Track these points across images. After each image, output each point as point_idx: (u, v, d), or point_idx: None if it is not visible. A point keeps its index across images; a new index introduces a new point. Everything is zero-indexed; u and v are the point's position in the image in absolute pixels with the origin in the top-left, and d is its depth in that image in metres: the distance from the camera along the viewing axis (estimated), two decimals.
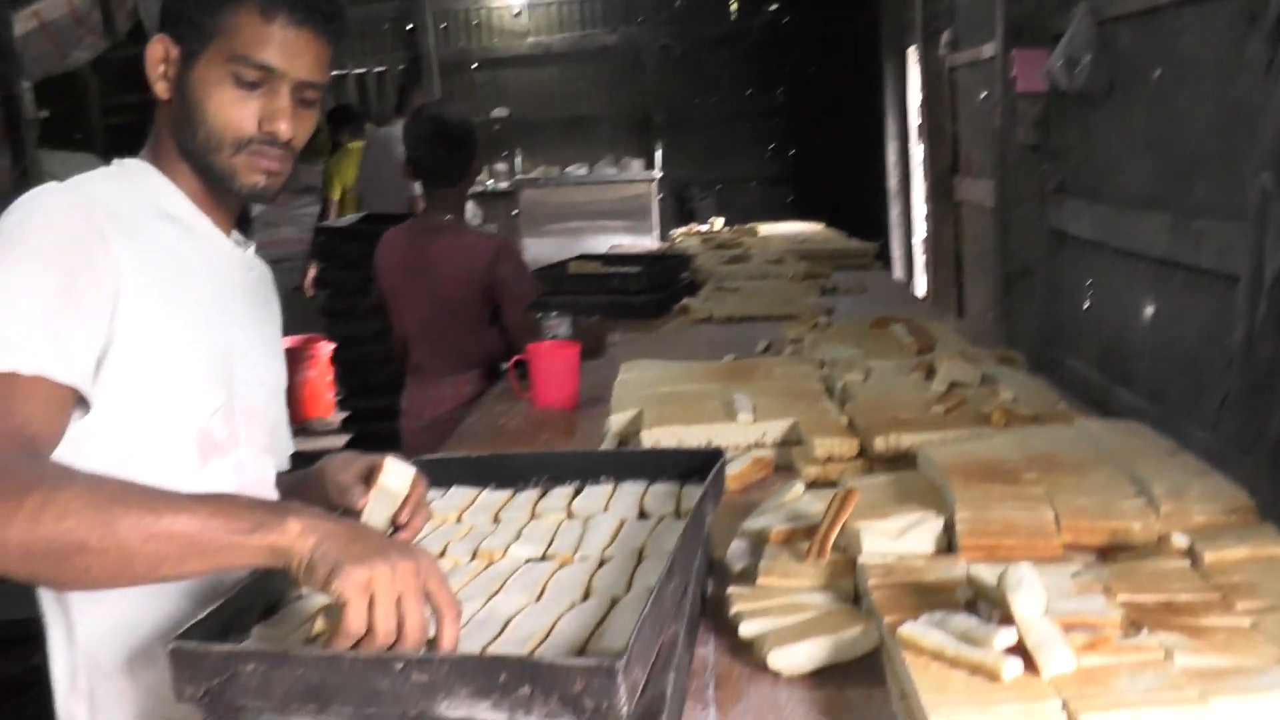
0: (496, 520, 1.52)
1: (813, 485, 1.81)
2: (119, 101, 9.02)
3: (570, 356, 2.60)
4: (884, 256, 7.60)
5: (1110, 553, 1.45)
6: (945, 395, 2.12)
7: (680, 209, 9.67)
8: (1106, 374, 4.18)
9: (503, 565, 1.35)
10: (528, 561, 1.37)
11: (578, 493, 1.59)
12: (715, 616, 1.40)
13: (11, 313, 1.25)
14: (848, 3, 9.33)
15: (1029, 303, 4.82)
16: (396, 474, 1.35)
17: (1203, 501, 1.49)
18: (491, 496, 1.60)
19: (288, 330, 1.73)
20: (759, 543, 1.54)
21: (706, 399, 2.19)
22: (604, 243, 7.27)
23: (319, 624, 1.13)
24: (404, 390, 3.39)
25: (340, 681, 1.02)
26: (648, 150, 9.71)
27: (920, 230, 7.86)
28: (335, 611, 1.08)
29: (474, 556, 1.39)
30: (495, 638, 1.14)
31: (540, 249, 7.37)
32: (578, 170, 9.43)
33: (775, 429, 2.04)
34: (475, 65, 9.89)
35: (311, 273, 6.56)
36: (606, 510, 1.51)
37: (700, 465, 1.57)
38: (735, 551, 1.54)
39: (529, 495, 1.60)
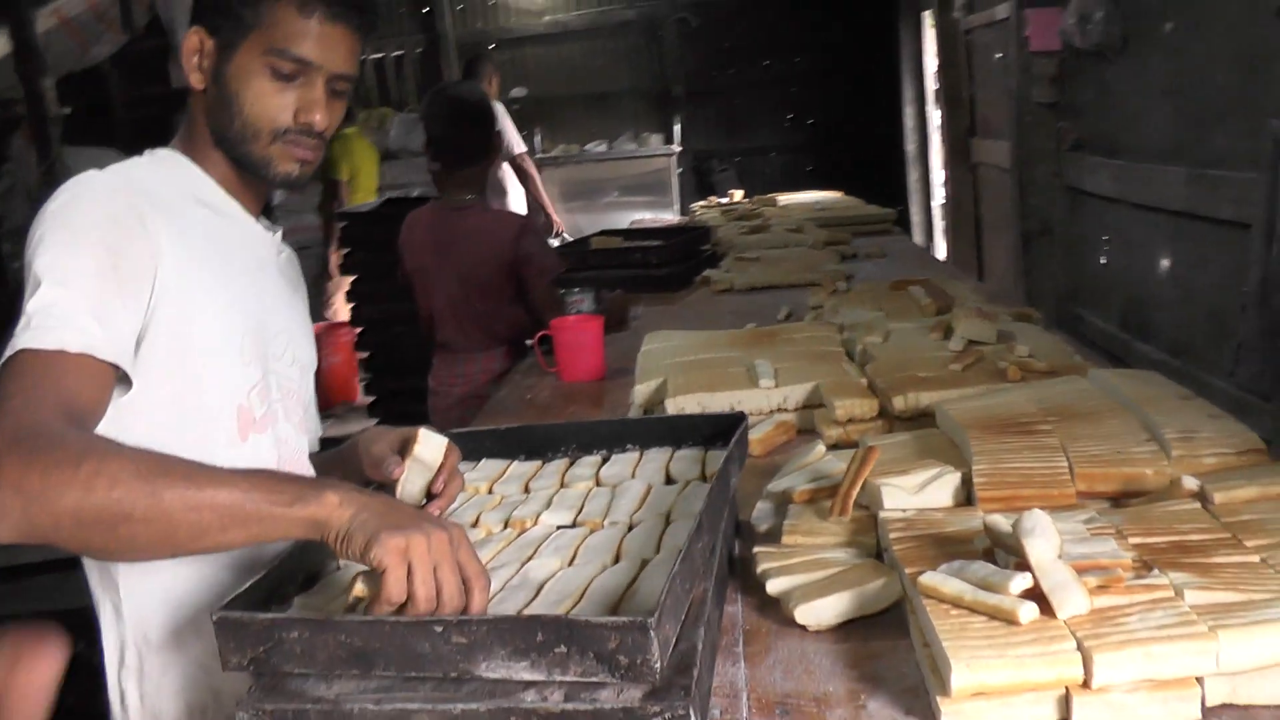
0: (527, 490, 1.56)
1: (835, 447, 1.85)
2: (139, 95, 9.08)
3: (595, 330, 2.65)
4: (903, 222, 7.60)
5: (1124, 498, 1.49)
6: (962, 353, 2.15)
7: (700, 182, 9.67)
8: (1127, 328, 4.20)
9: (535, 532, 1.40)
10: (559, 528, 1.41)
11: (605, 461, 1.64)
12: (743, 576, 1.44)
13: (60, 293, 1.30)
14: None
15: (1048, 260, 4.84)
16: (430, 444, 1.40)
17: (1213, 444, 1.53)
18: (521, 467, 1.65)
19: (313, 316, 1.78)
20: (783, 503, 1.58)
21: (729, 366, 2.23)
22: (625, 218, 7.30)
23: (357, 589, 1.17)
24: (431, 368, 3.45)
25: (382, 645, 1.07)
26: (667, 124, 9.71)
27: (939, 194, 7.86)
28: (374, 579, 1.13)
29: (506, 525, 1.44)
30: (530, 600, 1.19)
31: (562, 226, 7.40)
32: (597, 147, 9.45)
33: (797, 393, 2.08)
34: (493, 45, 9.90)
35: (336, 258, 6.64)
36: (634, 477, 1.55)
37: (724, 429, 1.61)
38: (760, 512, 1.58)
39: (557, 465, 1.64)
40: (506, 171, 6.73)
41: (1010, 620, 1.11)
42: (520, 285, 3.24)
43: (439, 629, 1.05)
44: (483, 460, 1.67)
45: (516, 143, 6.78)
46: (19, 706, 2.40)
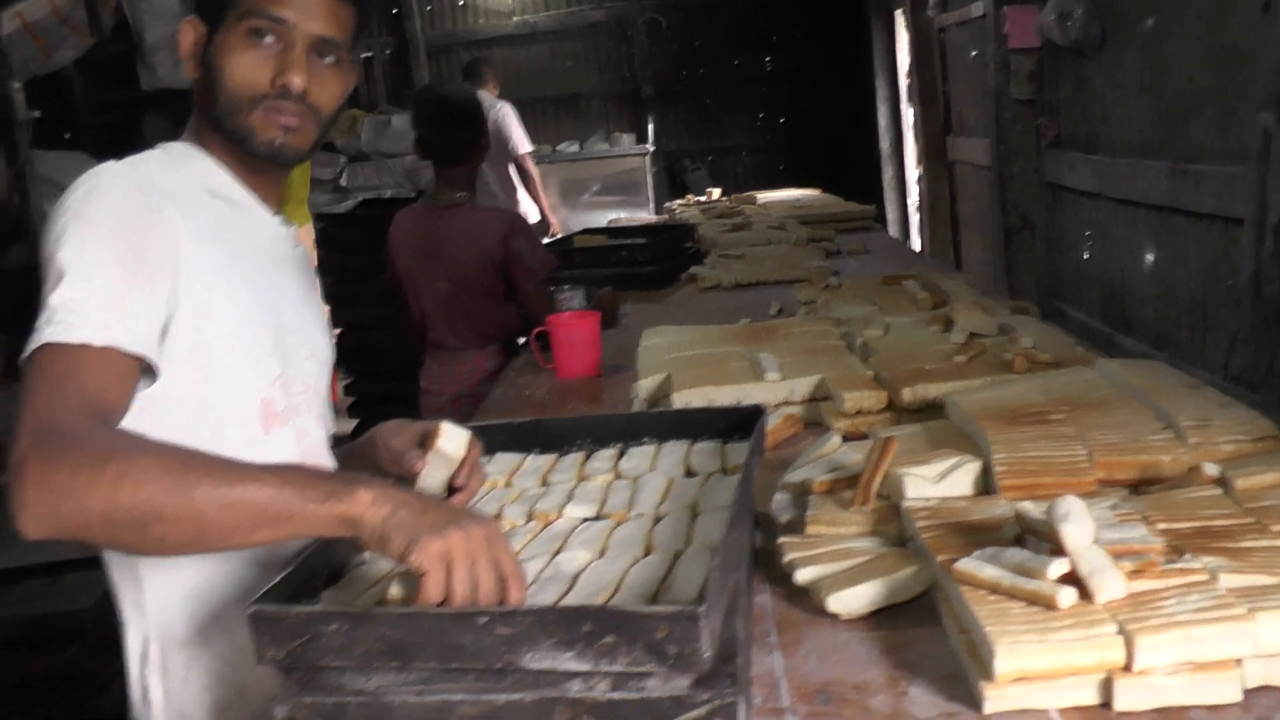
0: (545, 483, 1.56)
1: (843, 439, 1.85)
2: (106, 99, 9.00)
3: (591, 326, 2.64)
4: (879, 220, 7.64)
5: (1141, 486, 1.50)
6: (965, 346, 2.16)
7: (673, 181, 9.69)
8: (1109, 322, 4.23)
9: (560, 525, 1.39)
10: (584, 521, 1.41)
11: (621, 454, 1.63)
12: (766, 567, 1.44)
13: (83, 287, 1.28)
14: None
15: (1029, 256, 4.87)
16: (452, 437, 1.39)
17: (1228, 431, 1.54)
18: (537, 461, 1.64)
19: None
20: (801, 494, 1.58)
21: (732, 360, 2.23)
22: (599, 218, 7.31)
23: (393, 590, 1.17)
24: (423, 368, 3.43)
25: (422, 638, 1.06)
26: (639, 124, 9.73)
27: (914, 192, 7.90)
28: (410, 580, 1.12)
29: (530, 518, 1.43)
30: (566, 592, 1.18)
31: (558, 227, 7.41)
32: (569, 147, 9.45)
33: (802, 386, 2.08)
34: (462, 46, 9.87)
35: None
36: (653, 469, 1.55)
37: (740, 422, 1.62)
38: (779, 504, 1.58)
39: (574, 458, 1.64)
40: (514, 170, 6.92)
41: (1049, 605, 1.11)
42: (511, 283, 3.23)
43: (483, 621, 1.04)
44: (497, 454, 1.66)
45: (522, 143, 6.98)
46: None
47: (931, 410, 1.90)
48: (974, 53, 5.47)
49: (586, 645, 1.02)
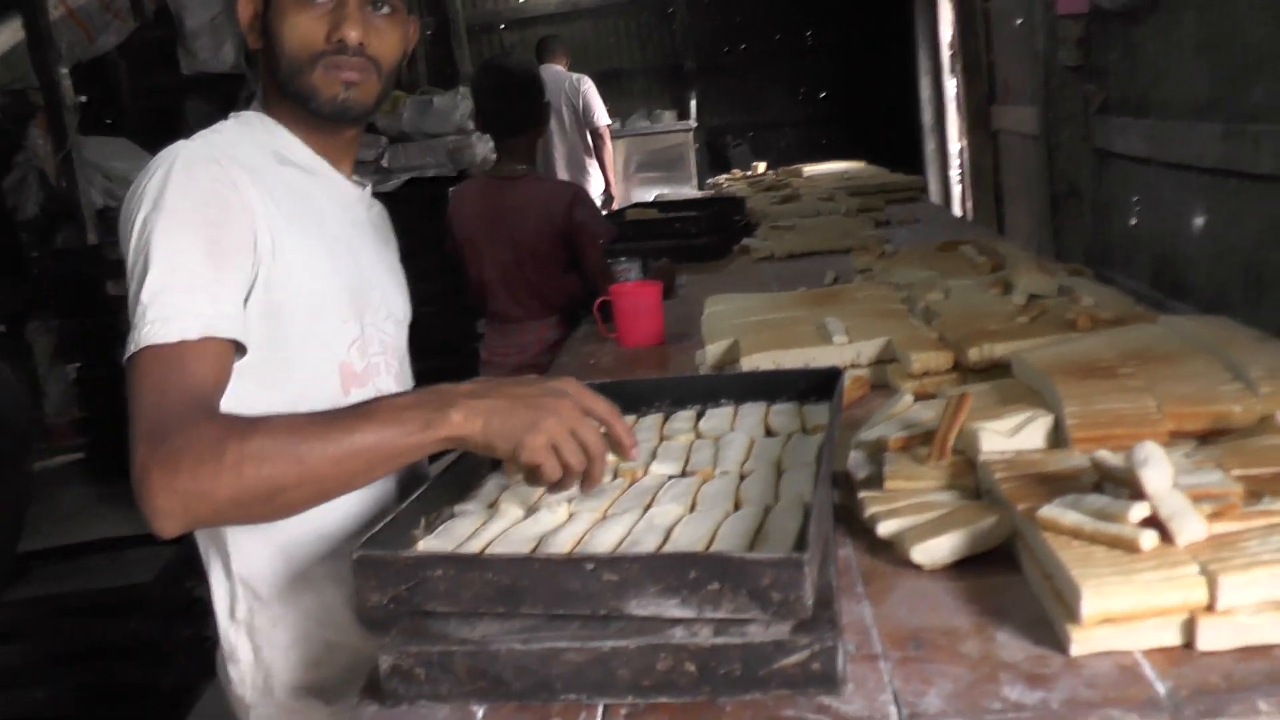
0: None
1: (920, 399, 1.88)
2: (149, 84, 9.09)
3: (654, 295, 2.68)
4: (923, 190, 7.63)
5: (1212, 436, 1.51)
6: (1026, 306, 2.18)
7: (715, 157, 9.70)
8: (1160, 288, 4.22)
9: (647, 482, 1.44)
10: (671, 478, 1.45)
11: (700, 416, 1.68)
12: (846, 523, 1.47)
13: (170, 277, 1.33)
14: None
15: (1077, 223, 4.86)
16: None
17: None
18: None
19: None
20: (876, 451, 1.61)
21: (798, 324, 2.26)
22: (644, 195, 7.36)
23: (511, 471, 1.34)
24: (483, 339, 3.49)
25: (531, 583, 1.10)
26: (681, 100, 9.74)
27: (955, 163, 7.87)
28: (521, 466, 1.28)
29: (616, 475, 1.47)
30: (662, 543, 1.22)
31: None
32: (613, 125, 9.47)
33: (869, 348, 2.11)
34: (504, 25, 9.90)
35: None
36: (734, 430, 1.59)
37: (817, 384, 1.66)
38: (855, 461, 1.61)
39: (653, 419, 1.68)
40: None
41: (1132, 548, 1.14)
42: (575, 252, 3.28)
43: (590, 566, 1.08)
44: None
45: (603, 116, 7.30)
46: None
47: (997, 370, 1.92)
48: (1019, 20, 5.45)
49: (691, 592, 1.07)
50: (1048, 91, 4.76)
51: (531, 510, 1.37)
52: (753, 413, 1.64)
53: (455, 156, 6.91)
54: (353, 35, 1.48)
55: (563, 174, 7.16)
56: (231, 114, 1.60)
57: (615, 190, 7.44)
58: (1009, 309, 2.19)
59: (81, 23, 7.89)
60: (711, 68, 9.92)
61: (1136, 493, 1.20)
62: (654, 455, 1.52)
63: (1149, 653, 1.10)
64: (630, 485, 1.43)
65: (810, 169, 6.01)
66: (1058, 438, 1.55)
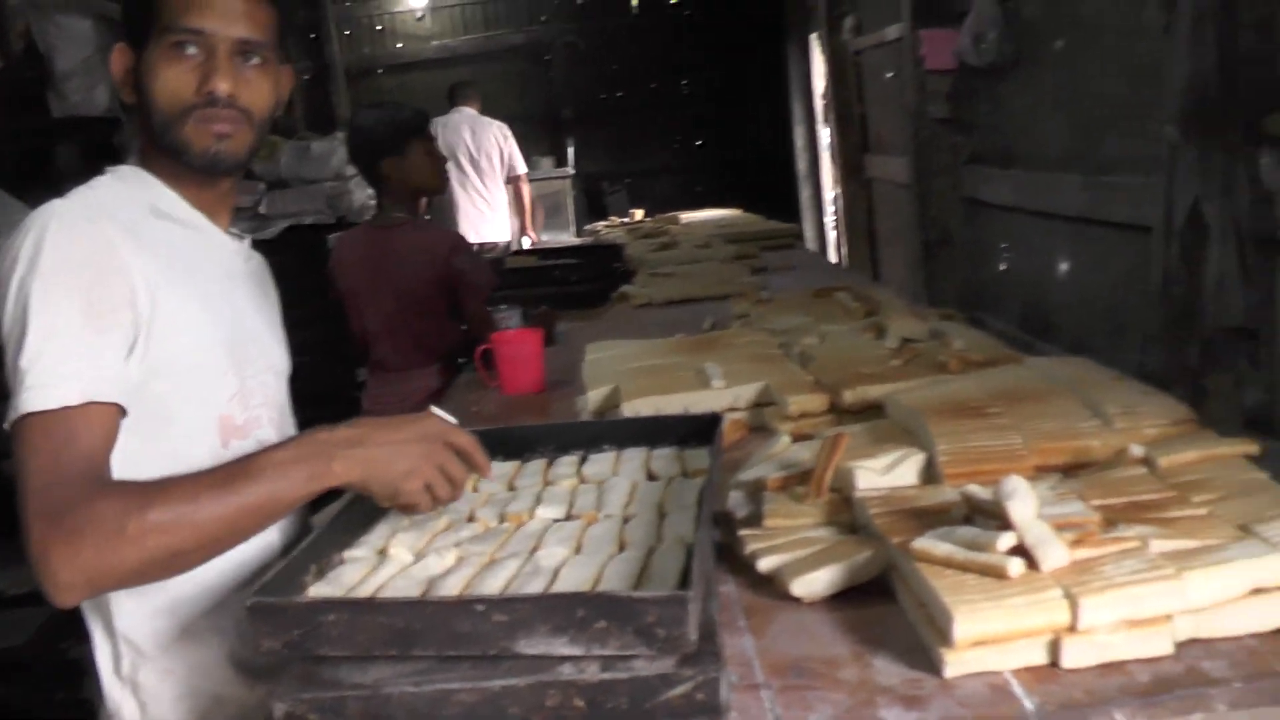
0: (512, 488, 1.63)
1: (797, 440, 1.94)
2: (16, 126, 8.86)
3: (535, 342, 2.71)
4: (798, 237, 7.80)
5: (1074, 470, 1.60)
6: (900, 350, 2.26)
7: (592, 204, 9.78)
8: (1029, 330, 4.38)
9: (532, 526, 1.46)
10: (556, 521, 1.48)
11: (583, 460, 1.71)
12: (727, 561, 1.51)
13: (48, 343, 1.32)
14: None
15: (949, 268, 5.02)
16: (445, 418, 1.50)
17: (1151, 417, 1.65)
18: (502, 467, 1.71)
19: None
20: (755, 491, 1.66)
21: (678, 370, 2.31)
22: (523, 240, 7.38)
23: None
24: (365, 388, 3.48)
25: (423, 625, 1.12)
26: (559, 147, 9.81)
27: (831, 210, 8.07)
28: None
29: (503, 520, 1.49)
30: (549, 585, 1.25)
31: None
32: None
33: (747, 392, 2.16)
34: (381, 70, 9.90)
35: None
36: (616, 474, 1.62)
37: (697, 429, 1.70)
38: (735, 501, 1.66)
39: (537, 464, 1.71)
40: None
41: (1000, 575, 1.21)
42: (455, 301, 3.30)
43: (480, 608, 1.10)
44: None
45: (519, 164, 7.33)
46: None
47: (872, 412, 1.99)
48: (890, 74, 5.63)
49: (579, 630, 1.09)
50: (918, 143, 4.93)
51: (420, 555, 1.38)
52: (635, 458, 1.68)
53: (334, 202, 6.87)
54: (222, 87, 1.49)
55: (463, 221, 7.15)
56: (108, 169, 1.58)
57: (535, 237, 7.45)
58: (883, 353, 2.27)
59: None
60: (588, 115, 10.04)
61: (1004, 524, 1.27)
62: (539, 500, 1.54)
63: (1018, 672, 1.16)
64: (516, 529, 1.45)
65: (687, 216, 6.11)
66: (930, 474, 1.61)
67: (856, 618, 1.32)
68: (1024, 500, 1.26)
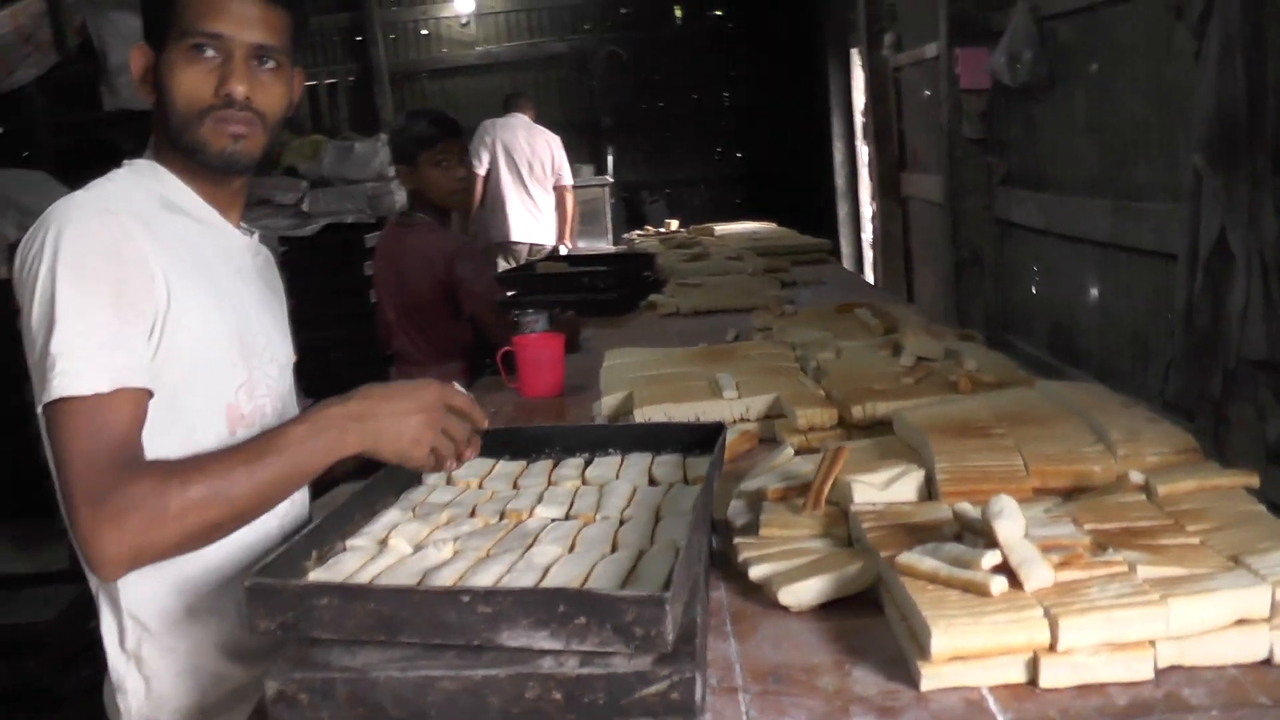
0: (516, 487, 1.65)
1: (797, 453, 1.95)
2: (68, 119, 9.00)
3: (556, 347, 2.73)
4: (834, 254, 7.79)
5: (1074, 494, 1.60)
6: (913, 368, 2.27)
7: (631, 213, 9.82)
8: (1056, 354, 4.37)
9: (531, 524, 1.49)
10: (553, 521, 1.50)
11: (588, 463, 1.73)
12: (722, 567, 1.53)
13: (77, 337, 1.38)
14: (791, 6, 9.52)
15: (979, 289, 5.02)
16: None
17: (1154, 444, 1.65)
18: (508, 466, 1.74)
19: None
20: (756, 501, 1.68)
21: (692, 379, 2.33)
22: (560, 247, 7.44)
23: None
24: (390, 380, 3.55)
25: (410, 614, 1.15)
26: (599, 156, 9.85)
27: (868, 227, 8.07)
28: None
29: (502, 516, 1.52)
30: (539, 581, 1.27)
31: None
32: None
33: (758, 404, 2.18)
34: (425, 75, 9.98)
35: None
36: (619, 478, 1.65)
37: (702, 438, 1.72)
38: (735, 510, 1.68)
39: (543, 465, 1.73)
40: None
41: (983, 592, 1.22)
42: (458, 306, 3.38)
43: (466, 599, 1.13)
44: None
45: (566, 175, 7.50)
46: None
47: (880, 428, 2.00)
48: (927, 92, 5.64)
49: (560, 625, 1.12)
50: (952, 162, 4.93)
51: (419, 547, 1.41)
52: (638, 463, 1.70)
53: (374, 202, 6.94)
54: (239, 90, 1.54)
55: (513, 221, 7.36)
56: (125, 162, 1.63)
57: (571, 245, 7.57)
58: (896, 370, 2.28)
59: (1, 53, 7.81)
60: (629, 124, 10.08)
61: (991, 542, 1.28)
62: (540, 499, 1.57)
63: (995, 689, 1.17)
64: (515, 526, 1.48)
65: (721, 228, 6.13)
66: (929, 492, 1.62)
67: (842, 628, 1.33)
68: (1011, 519, 1.28)
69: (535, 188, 7.39)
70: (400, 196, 6.61)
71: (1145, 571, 1.26)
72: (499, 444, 1.78)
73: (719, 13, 10.06)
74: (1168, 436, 1.69)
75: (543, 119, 7.62)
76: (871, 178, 7.58)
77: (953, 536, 1.38)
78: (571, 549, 1.38)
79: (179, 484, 1.35)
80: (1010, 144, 4.66)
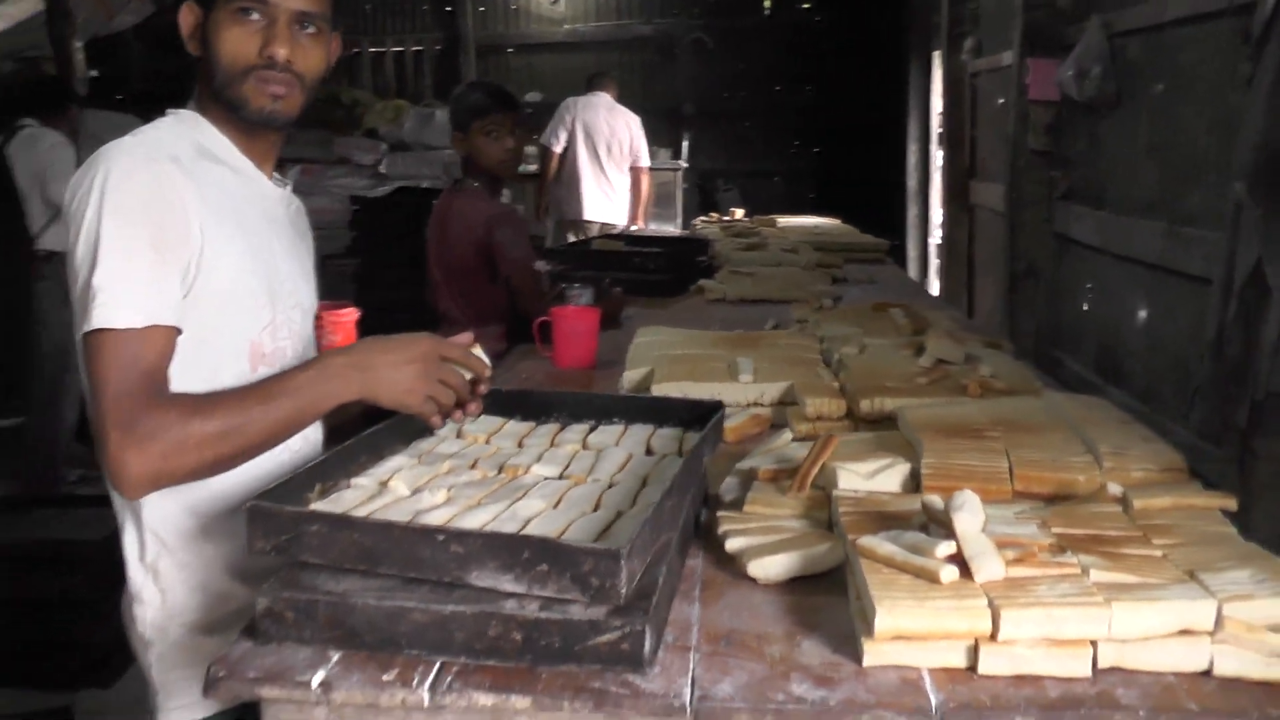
0: (520, 446, 1.73)
1: (802, 440, 2.01)
2: (160, 65, 9.22)
3: (590, 320, 2.81)
4: (900, 257, 7.80)
5: (1056, 501, 1.65)
6: (931, 370, 2.32)
7: (705, 200, 9.86)
8: (1101, 373, 4.37)
9: (525, 480, 1.57)
10: (546, 479, 1.58)
11: (592, 430, 1.81)
12: (707, 539, 1.60)
13: (117, 274, 1.50)
14: (879, 4, 9.50)
15: (1033, 303, 5.01)
16: (482, 355, 1.67)
17: (1141, 461, 1.69)
18: (516, 426, 1.82)
19: (320, 296, 1.95)
20: (748, 479, 1.74)
21: (712, 361, 2.40)
22: (631, 228, 7.51)
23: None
24: None
25: (389, 547, 1.24)
26: (676, 140, 9.90)
27: (936, 232, 8.05)
28: None
29: (500, 470, 1.60)
30: (518, 531, 1.35)
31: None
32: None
33: (773, 390, 2.24)
34: (511, 50, 10.09)
35: None
36: (617, 445, 1.72)
37: (703, 415, 1.79)
38: (727, 486, 1.74)
39: (549, 428, 1.81)
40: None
41: (933, 579, 1.27)
42: (495, 270, 3.48)
43: (440, 538, 1.21)
44: (482, 415, 1.84)
45: (643, 157, 7.58)
46: None
47: (887, 424, 2.05)
48: (1000, 100, 5.63)
49: (524, 570, 1.20)
50: (1014, 172, 4.93)
51: (416, 491, 1.50)
52: (638, 434, 1.77)
53: (451, 169, 7.08)
54: (281, 53, 1.65)
55: (586, 199, 7.47)
56: (169, 111, 1.74)
57: (643, 226, 7.64)
58: (913, 370, 2.33)
59: (102, 1, 8.06)
60: (708, 111, 10.12)
61: (950, 533, 1.33)
62: (539, 458, 1.65)
63: (934, 671, 1.23)
64: (510, 481, 1.56)
65: (785, 220, 6.16)
66: (914, 486, 1.68)
67: (802, 604, 1.40)
68: (971, 514, 1.33)
69: (611, 167, 7.45)
70: None
71: (1097, 576, 1.31)
72: (511, 404, 1.87)
73: (807, 5, 10.06)
74: (1156, 454, 1.73)
75: (623, 100, 7.67)
76: (943, 183, 7.56)
77: (919, 527, 1.44)
78: (557, 505, 1.46)
79: (200, 417, 1.47)
80: (1074, 159, 4.65)
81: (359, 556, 1.25)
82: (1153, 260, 3.76)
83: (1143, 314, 3.97)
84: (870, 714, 1.15)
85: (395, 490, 1.50)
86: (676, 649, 1.26)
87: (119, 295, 1.49)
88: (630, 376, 2.37)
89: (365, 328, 1.90)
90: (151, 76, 9.43)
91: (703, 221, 6.41)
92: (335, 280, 7.26)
